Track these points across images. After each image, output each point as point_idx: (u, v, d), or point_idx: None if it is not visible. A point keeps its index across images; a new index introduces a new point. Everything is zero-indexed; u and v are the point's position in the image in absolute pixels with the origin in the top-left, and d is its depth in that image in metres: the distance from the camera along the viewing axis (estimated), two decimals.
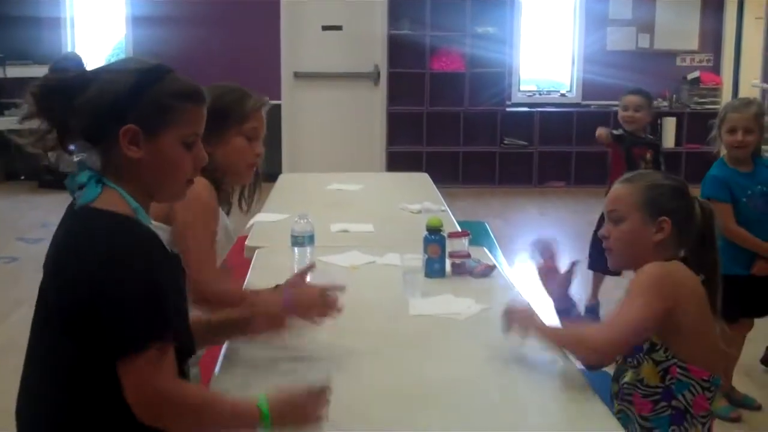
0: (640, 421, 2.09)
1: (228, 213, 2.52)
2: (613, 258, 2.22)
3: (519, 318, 2.12)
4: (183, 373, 1.63)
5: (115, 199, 1.57)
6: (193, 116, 1.63)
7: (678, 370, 2.05)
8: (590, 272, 4.94)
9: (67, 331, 1.51)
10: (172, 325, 1.52)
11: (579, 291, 5.37)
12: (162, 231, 1.67)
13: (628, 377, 2.12)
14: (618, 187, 2.22)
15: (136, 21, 9.09)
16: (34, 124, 1.60)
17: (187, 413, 1.54)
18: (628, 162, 4.69)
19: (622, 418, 2.09)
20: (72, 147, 1.61)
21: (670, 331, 2.04)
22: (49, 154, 1.64)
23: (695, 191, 2.37)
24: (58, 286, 1.54)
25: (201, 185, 2.15)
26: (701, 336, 2.07)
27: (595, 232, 4.61)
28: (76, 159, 1.60)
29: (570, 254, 6.60)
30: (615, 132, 4.90)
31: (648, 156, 4.76)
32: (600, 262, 2.55)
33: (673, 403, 2.06)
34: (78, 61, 1.73)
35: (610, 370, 2.97)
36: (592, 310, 4.87)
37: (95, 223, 1.55)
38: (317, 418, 1.62)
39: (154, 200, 1.68)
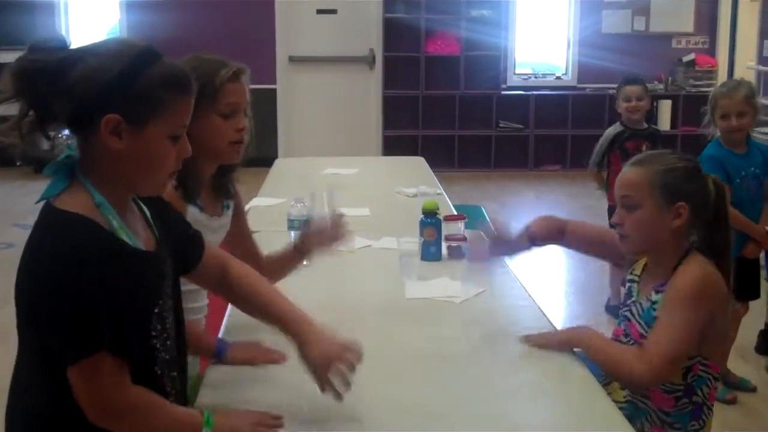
0: (660, 415, 2.06)
1: (230, 197, 2.35)
2: (628, 245, 2.14)
3: (538, 342, 2.11)
4: (152, 375, 1.59)
5: (78, 196, 1.50)
6: (181, 107, 1.54)
7: (700, 367, 2.04)
8: (606, 271, 4.89)
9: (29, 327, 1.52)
10: (106, 337, 1.45)
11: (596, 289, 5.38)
12: None
13: None
14: (630, 171, 2.11)
15: (130, 5, 9.05)
16: (12, 108, 1.52)
17: (130, 420, 1.53)
18: (623, 158, 4.65)
19: (629, 408, 2.05)
20: (55, 132, 1.54)
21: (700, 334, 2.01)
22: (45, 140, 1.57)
23: None
24: (16, 287, 1.53)
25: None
26: (724, 334, 2.07)
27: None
28: (54, 142, 1.57)
29: None
30: (596, 162, 4.81)
31: (644, 148, 4.70)
32: None
33: (694, 398, 2.05)
34: (61, 41, 1.63)
35: None
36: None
37: (48, 225, 1.50)
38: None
39: (133, 193, 1.61)
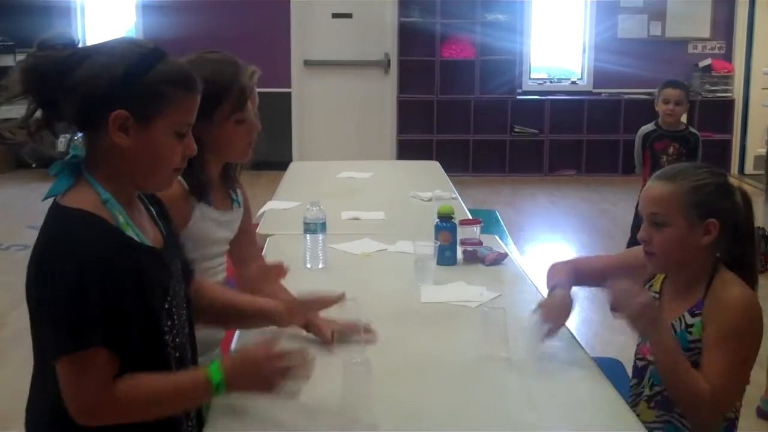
0: None
1: (236, 186, 2.33)
2: (656, 263, 2.06)
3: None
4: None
5: (84, 193, 1.51)
6: (186, 104, 1.56)
7: None
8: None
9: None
10: (98, 332, 1.44)
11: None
12: None
13: None
14: (657, 186, 2.02)
15: (146, 8, 9.09)
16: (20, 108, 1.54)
17: (127, 412, 1.50)
18: (652, 158, 4.67)
19: (670, 430, 2.01)
20: (71, 134, 1.56)
21: None
22: (61, 140, 1.57)
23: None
24: (26, 285, 1.53)
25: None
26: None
27: (632, 232, 4.45)
28: (61, 141, 1.56)
29: (580, 243, 6.61)
30: (641, 164, 4.81)
31: (671, 150, 4.67)
32: None
33: (728, 414, 2.01)
34: (69, 39, 1.64)
35: (619, 356, 2.95)
36: None
37: (53, 222, 1.52)
38: (279, 380, 1.61)
39: (139, 189, 1.62)
